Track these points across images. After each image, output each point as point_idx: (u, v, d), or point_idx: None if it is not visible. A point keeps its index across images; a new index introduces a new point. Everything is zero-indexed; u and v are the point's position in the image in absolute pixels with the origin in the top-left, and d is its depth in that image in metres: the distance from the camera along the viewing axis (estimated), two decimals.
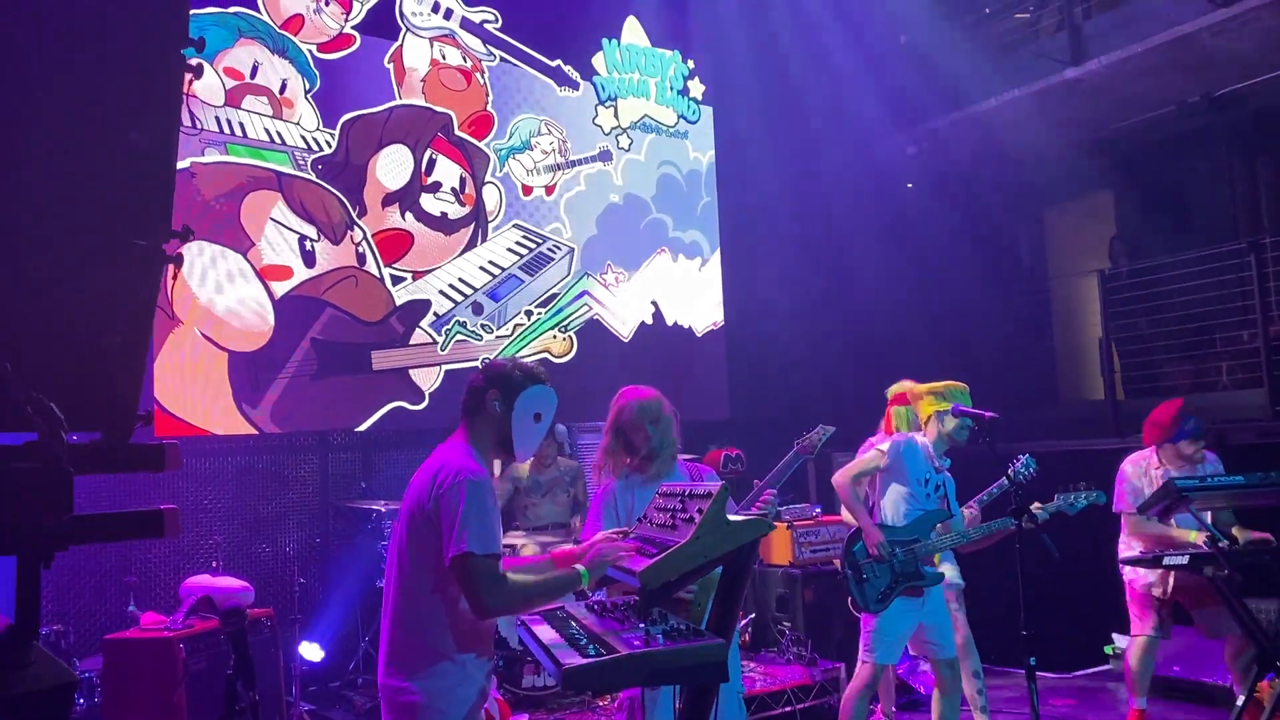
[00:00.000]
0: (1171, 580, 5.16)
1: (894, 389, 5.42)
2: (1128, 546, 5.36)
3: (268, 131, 6.34)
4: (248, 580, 4.83)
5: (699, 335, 8.41)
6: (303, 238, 6.43)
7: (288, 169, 6.41)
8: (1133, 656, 5.31)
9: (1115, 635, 7.08)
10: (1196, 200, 9.11)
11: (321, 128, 6.57)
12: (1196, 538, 4.97)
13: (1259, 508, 5.18)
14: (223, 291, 6.08)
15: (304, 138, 6.49)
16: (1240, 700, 5.06)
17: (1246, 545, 5.06)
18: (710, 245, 8.59)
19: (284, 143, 6.41)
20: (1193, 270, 7.89)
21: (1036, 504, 4.62)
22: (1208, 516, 5.08)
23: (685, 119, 8.60)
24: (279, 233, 6.34)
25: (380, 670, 2.85)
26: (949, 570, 5.24)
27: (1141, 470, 5.36)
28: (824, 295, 8.82)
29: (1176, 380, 8.32)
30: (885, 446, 4.59)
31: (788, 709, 5.65)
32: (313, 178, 6.51)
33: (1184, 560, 4.93)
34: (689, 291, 8.39)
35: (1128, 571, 5.36)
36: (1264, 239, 7.67)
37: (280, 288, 6.31)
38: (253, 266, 6.21)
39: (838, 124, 8.95)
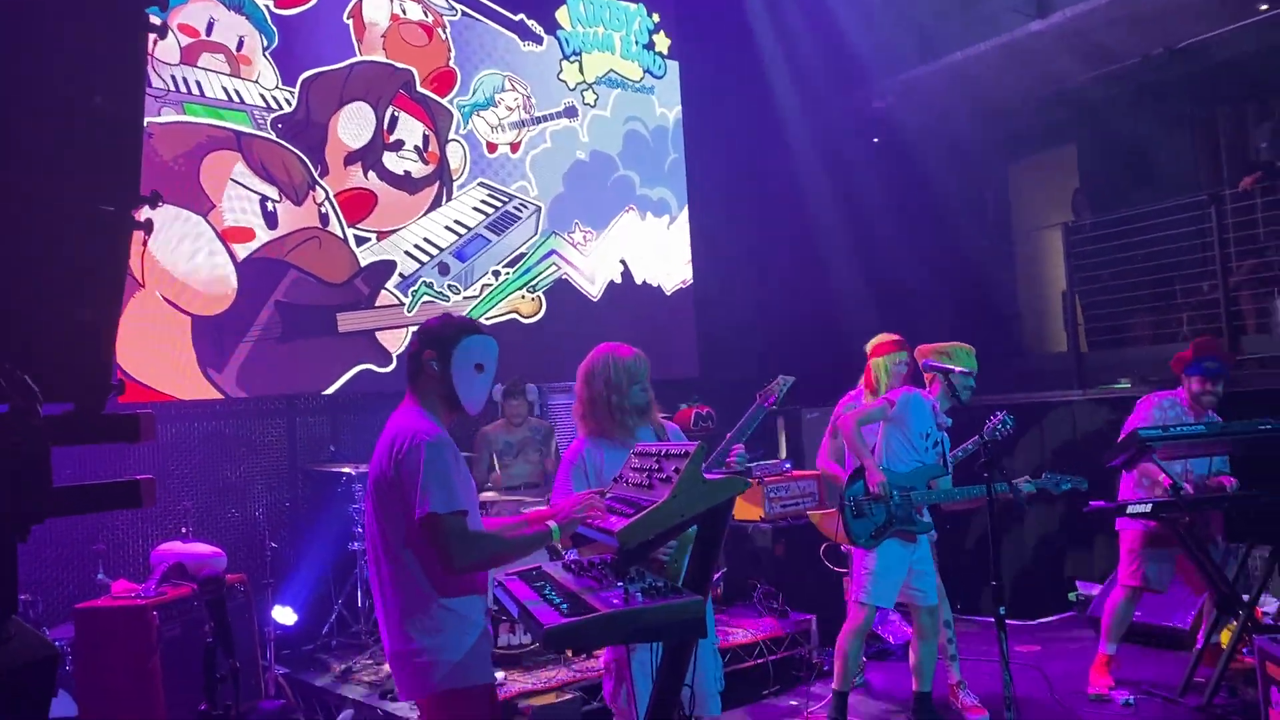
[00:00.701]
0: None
1: (872, 343, 5.45)
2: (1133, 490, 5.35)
3: (225, 90, 6.20)
4: (219, 546, 4.80)
5: (668, 294, 8.40)
6: (264, 198, 6.32)
7: (247, 128, 6.28)
8: (1115, 604, 5.37)
9: (1079, 583, 7.25)
10: (1159, 153, 9.17)
11: (281, 86, 6.44)
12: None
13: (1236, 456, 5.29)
14: (183, 254, 5.97)
15: (263, 96, 6.36)
16: (1202, 642, 5.22)
17: (1202, 493, 5.16)
18: (678, 202, 8.55)
19: (242, 101, 6.27)
20: (1154, 223, 7.96)
21: (1026, 477, 4.72)
22: (1176, 465, 5.18)
23: (651, 74, 8.52)
24: (240, 194, 6.23)
25: (385, 642, 2.90)
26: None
27: (1166, 410, 5.31)
28: (792, 251, 8.83)
29: (1139, 331, 8.43)
30: (894, 396, 4.77)
31: (760, 660, 5.73)
32: (273, 137, 6.39)
33: (1146, 509, 5.04)
34: (657, 250, 8.36)
35: (1122, 521, 5.35)
36: (1224, 191, 7.76)
37: (242, 250, 6.21)
38: (214, 228, 6.10)
39: (805, 78, 8.90)
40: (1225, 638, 5.14)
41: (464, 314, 3.16)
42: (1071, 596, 7.24)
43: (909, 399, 4.74)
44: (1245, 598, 5.04)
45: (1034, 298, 9.78)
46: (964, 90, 8.80)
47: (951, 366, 4.57)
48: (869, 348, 5.44)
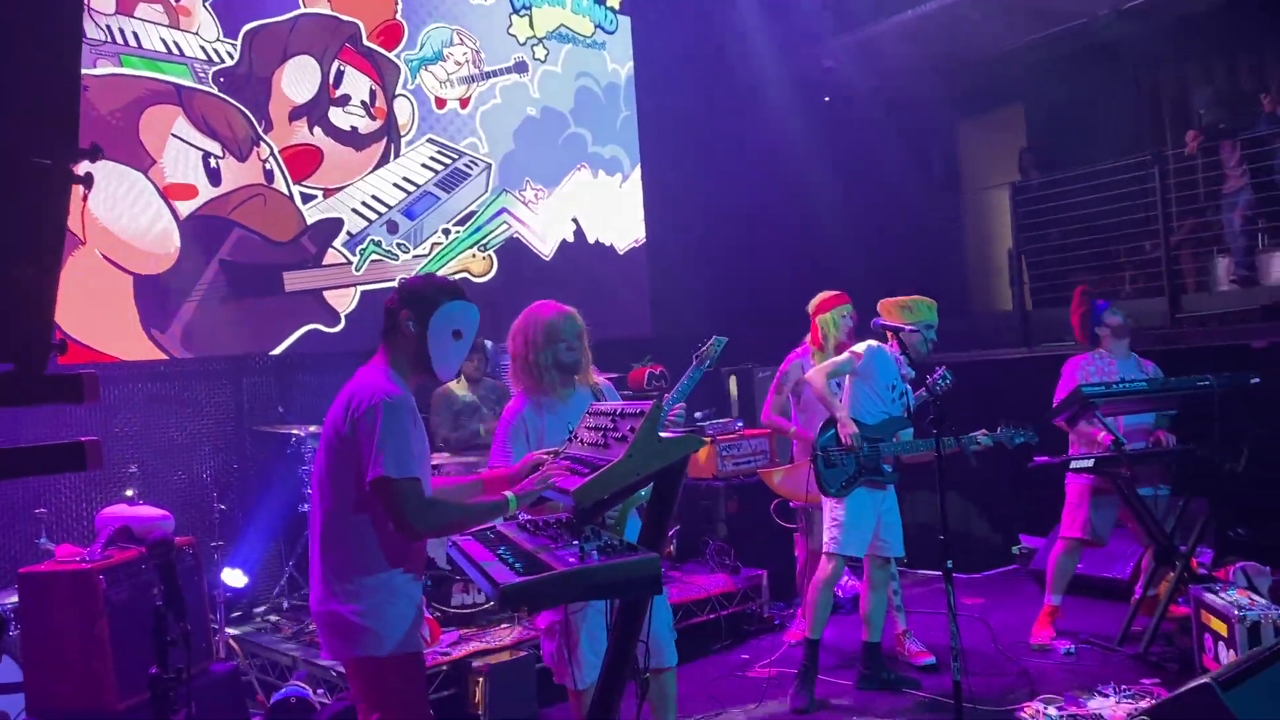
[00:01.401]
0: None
1: (815, 300, 5.50)
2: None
3: (164, 42, 6.01)
4: (166, 509, 4.72)
5: (621, 253, 8.36)
6: (206, 154, 6.17)
7: (188, 82, 6.10)
8: (1057, 556, 5.52)
9: (1022, 536, 7.41)
10: (1104, 113, 9.29)
11: (222, 38, 6.26)
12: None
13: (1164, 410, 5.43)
14: (123, 212, 5.81)
15: (203, 48, 6.17)
16: (1139, 593, 5.38)
17: (1145, 448, 5.31)
18: (631, 161, 8.49)
19: (182, 54, 6.09)
20: (1099, 183, 8.08)
21: (982, 431, 4.84)
22: (1118, 422, 5.30)
23: (603, 29, 8.42)
24: (181, 150, 6.07)
25: (313, 597, 2.85)
26: None
27: (1090, 365, 5.49)
28: (745, 210, 8.82)
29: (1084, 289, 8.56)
30: (861, 349, 4.82)
31: (712, 615, 5.80)
32: (215, 91, 6.22)
33: (1089, 463, 5.16)
34: (610, 208, 8.31)
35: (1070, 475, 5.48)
36: (1166, 151, 7.89)
37: (185, 207, 6.06)
38: (154, 185, 5.94)
39: (756, 36, 8.86)
40: (1163, 589, 5.30)
41: (446, 276, 3.07)
42: (1014, 550, 7.41)
43: (874, 352, 4.80)
44: (1183, 549, 5.19)
45: (981, 256, 9.90)
46: (913, 49, 8.81)
47: (901, 324, 4.61)
48: (812, 306, 5.49)
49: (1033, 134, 9.82)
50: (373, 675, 2.76)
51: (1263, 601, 4.53)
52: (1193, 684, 3.48)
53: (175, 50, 6.06)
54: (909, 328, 4.53)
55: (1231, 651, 4.33)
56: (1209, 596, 4.62)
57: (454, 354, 2.90)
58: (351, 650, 2.75)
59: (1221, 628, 4.47)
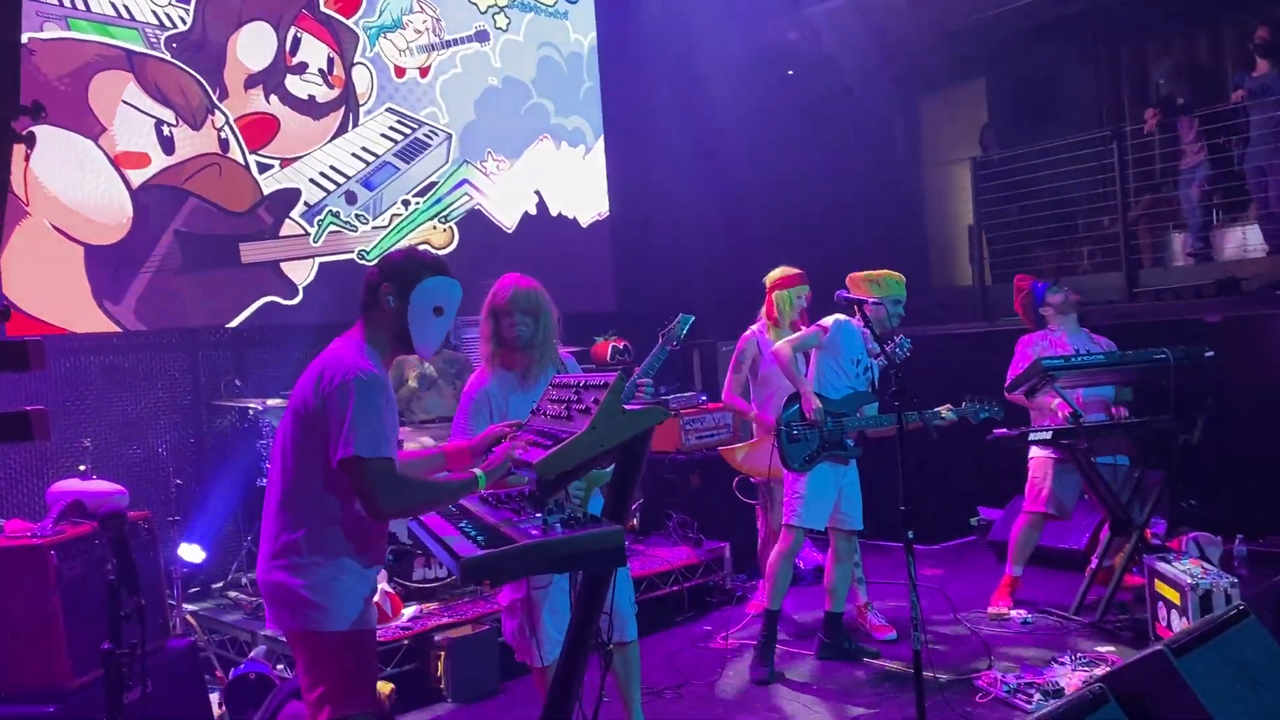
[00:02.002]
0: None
1: (773, 275, 5.48)
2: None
3: (114, 5, 5.85)
4: (120, 484, 4.64)
5: (584, 226, 8.30)
6: (159, 122, 6.02)
7: (139, 47, 5.95)
8: (1021, 529, 5.61)
9: (980, 508, 7.51)
10: (1064, 88, 9.34)
11: (174, 2, 6.10)
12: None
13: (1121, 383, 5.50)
14: (72, 180, 5.67)
15: (155, 13, 6.02)
16: (1095, 563, 5.46)
17: (1103, 421, 5.38)
18: (594, 132, 8.42)
19: (133, 18, 5.93)
20: (1058, 158, 8.13)
21: (946, 406, 4.88)
22: (1076, 394, 5.36)
23: None
24: (132, 117, 5.92)
25: (260, 566, 2.78)
26: None
27: (1042, 340, 5.58)
28: (708, 184, 8.78)
29: (1042, 265, 8.65)
30: (828, 323, 4.84)
31: (676, 588, 5.82)
32: (167, 57, 6.07)
33: (1047, 436, 5.23)
34: (573, 180, 8.23)
35: (1033, 449, 5.58)
36: (1124, 127, 7.95)
37: (137, 176, 5.92)
38: (105, 153, 5.80)
39: (719, 8, 8.79)
40: (1118, 559, 5.39)
41: (430, 252, 3.00)
42: (972, 522, 7.51)
43: (841, 326, 4.82)
44: (1137, 519, 5.27)
45: (941, 232, 9.94)
46: (876, 23, 8.80)
47: (866, 297, 4.59)
48: (770, 279, 5.47)
49: (994, 109, 9.86)
50: (317, 650, 2.71)
51: (1214, 570, 4.63)
52: (1147, 651, 3.55)
53: (125, 14, 5.90)
54: (873, 300, 4.51)
55: (1184, 619, 4.42)
56: (1162, 566, 4.70)
57: (435, 330, 2.84)
58: (297, 623, 2.70)
59: (1174, 596, 4.55)
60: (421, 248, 7.04)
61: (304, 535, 2.69)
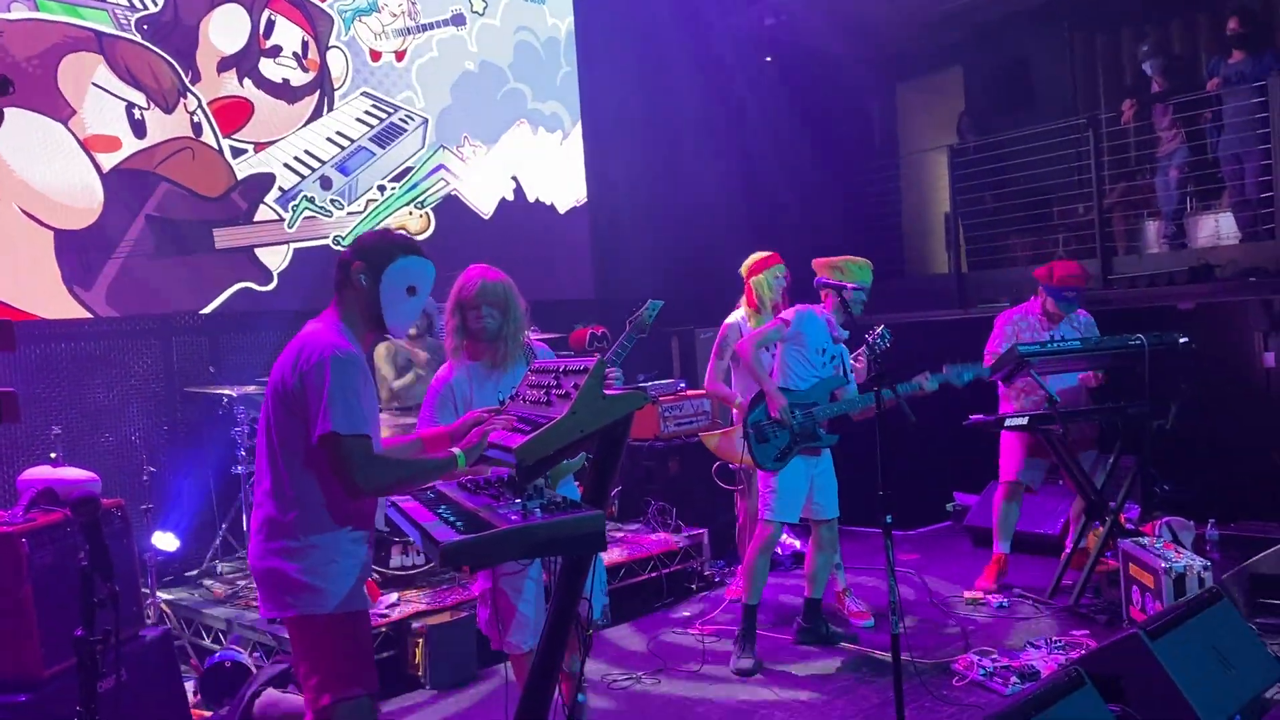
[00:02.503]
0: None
1: (749, 262, 5.47)
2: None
3: None
4: (92, 472, 4.58)
5: (562, 212, 8.26)
6: (130, 105, 5.93)
7: (109, 29, 5.86)
8: (998, 503, 5.73)
9: (956, 494, 7.55)
10: (1040, 77, 9.39)
11: None
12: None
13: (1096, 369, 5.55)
14: (41, 164, 5.58)
15: None
16: (1070, 547, 5.51)
17: (1078, 406, 5.43)
18: (571, 118, 8.37)
19: None
20: (1034, 145, 8.17)
21: (925, 374, 4.84)
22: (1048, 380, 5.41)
23: None
24: (103, 100, 5.83)
25: (252, 553, 2.78)
26: None
27: (1018, 324, 5.62)
28: (687, 170, 8.77)
29: (1018, 253, 8.70)
30: (789, 314, 4.77)
31: (654, 574, 5.83)
32: (138, 39, 5.97)
33: (1024, 421, 5.26)
34: (550, 166, 8.18)
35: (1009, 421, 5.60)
36: (1100, 115, 8.00)
37: (108, 160, 5.83)
38: (75, 137, 5.71)
39: None
40: (1092, 543, 5.44)
41: (403, 234, 3.00)
42: (949, 507, 7.56)
43: (803, 316, 4.77)
44: (1112, 504, 5.32)
45: (918, 219, 9.97)
46: (854, 10, 8.81)
47: (844, 283, 4.60)
48: (745, 267, 5.45)
49: (971, 97, 9.89)
50: (314, 634, 2.71)
51: (1187, 553, 4.68)
52: (1122, 634, 3.59)
53: None
54: (851, 286, 4.50)
55: (1158, 602, 4.47)
56: (1136, 550, 4.75)
57: (408, 309, 2.84)
58: (293, 608, 2.69)
59: (1148, 579, 4.60)
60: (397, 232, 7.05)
61: (295, 518, 2.69)
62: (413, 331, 6.12)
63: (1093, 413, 5.35)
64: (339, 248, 6.65)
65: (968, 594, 5.55)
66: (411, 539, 2.95)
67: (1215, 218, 7.68)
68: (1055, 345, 5.18)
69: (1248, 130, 6.98)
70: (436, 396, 3.52)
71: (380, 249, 2.81)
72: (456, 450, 2.77)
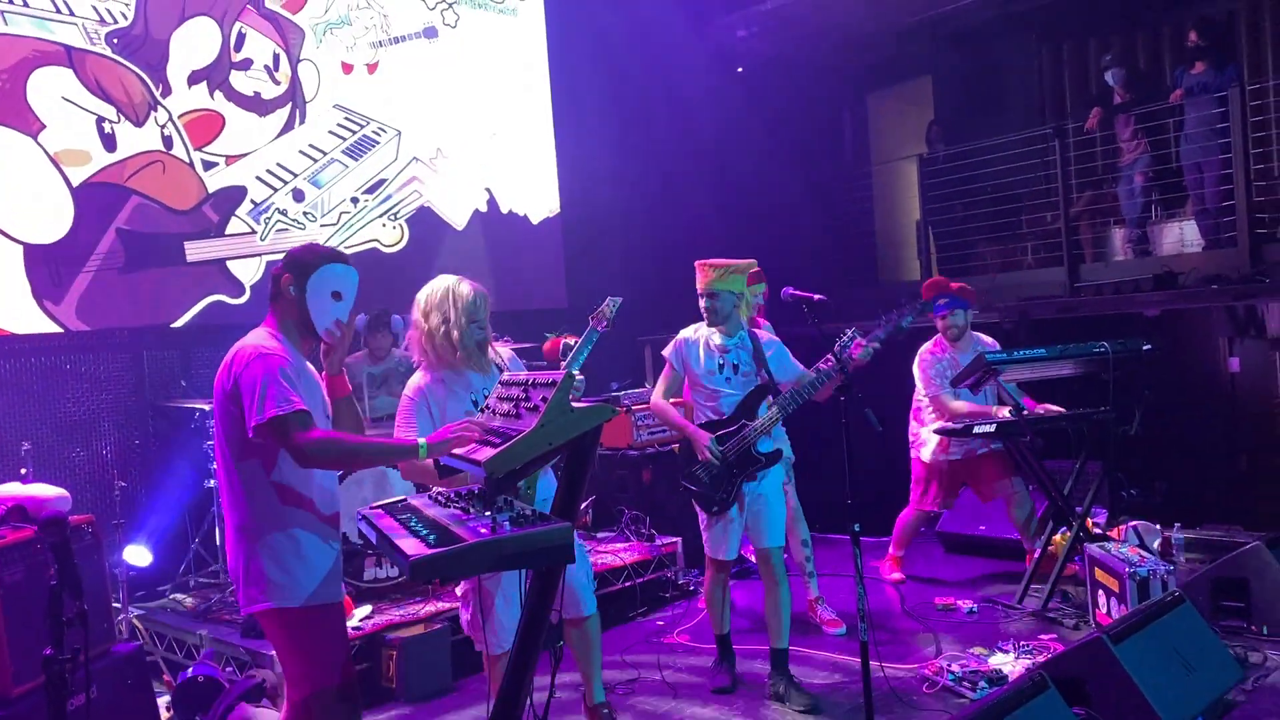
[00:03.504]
0: (962, 452, 5.69)
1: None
2: (924, 424, 5.81)
3: (52, 1, 5.74)
4: (63, 487, 4.56)
5: (535, 223, 8.29)
6: (100, 119, 5.92)
7: (79, 43, 5.84)
8: (906, 520, 6.06)
9: None
10: (1009, 86, 9.51)
11: None
12: (997, 411, 5.42)
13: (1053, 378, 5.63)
14: (10, 178, 5.55)
15: (95, 8, 5.91)
16: (1036, 553, 5.58)
17: (1042, 415, 5.51)
18: (544, 130, 8.40)
19: (72, 13, 5.82)
20: (1003, 155, 8.28)
21: (853, 337, 4.31)
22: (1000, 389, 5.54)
23: None
24: (72, 114, 5.81)
25: (229, 558, 2.98)
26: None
27: (942, 357, 5.78)
28: (659, 180, 8.82)
29: (987, 260, 8.80)
30: (667, 352, 4.53)
31: (628, 583, 5.85)
32: (108, 53, 5.96)
33: (991, 429, 5.33)
34: (523, 178, 8.21)
35: (922, 452, 5.89)
36: (1067, 125, 8.12)
37: (77, 174, 5.81)
38: (44, 150, 5.69)
39: (669, 5, 8.82)
40: (1058, 546, 5.52)
41: (328, 246, 3.15)
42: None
43: (677, 349, 4.52)
44: (1079, 509, 5.40)
45: (889, 227, 10.07)
46: (823, 21, 8.89)
47: (810, 294, 4.53)
48: None
49: (941, 106, 10.00)
50: (284, 626, 2.87)
51: (1151, 558, 4.75)
52: (1085, 638, 3.65)
53: (65, 9, 5.79)
54: (817, 297, 4.44)
55: (1123, 606, 4.54)
56: (1102, 554, 4.82)
57: (333, 314, 2.99)
58: (262, 600, 2.84)
59: (1113, 584, 4.67)
60: (370, 245, 7.07)
61: (251, 514, 2.86)
62: (376, 350, 6.16)
63: (1059, 420, 5.43)
64: None
65: (939, 600, 5.61)
66: (383, 551, 2.98)
67: (1179, 225, 7.81)
68: (1021, 353, 5.26)
69: (1208, 140, 7.10)
70: (412, 405, 3.53)
71: (305, 260, 3.00)
72: (421, 440, 2.87)
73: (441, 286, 3.59)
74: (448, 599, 5.11)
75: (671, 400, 4.64)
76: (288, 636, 2.89)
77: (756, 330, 4.59)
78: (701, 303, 4.44)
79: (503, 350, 3.81)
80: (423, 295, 3.59)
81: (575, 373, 3.98)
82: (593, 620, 3.80)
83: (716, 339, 4.46)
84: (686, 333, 4.55)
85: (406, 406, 3.55)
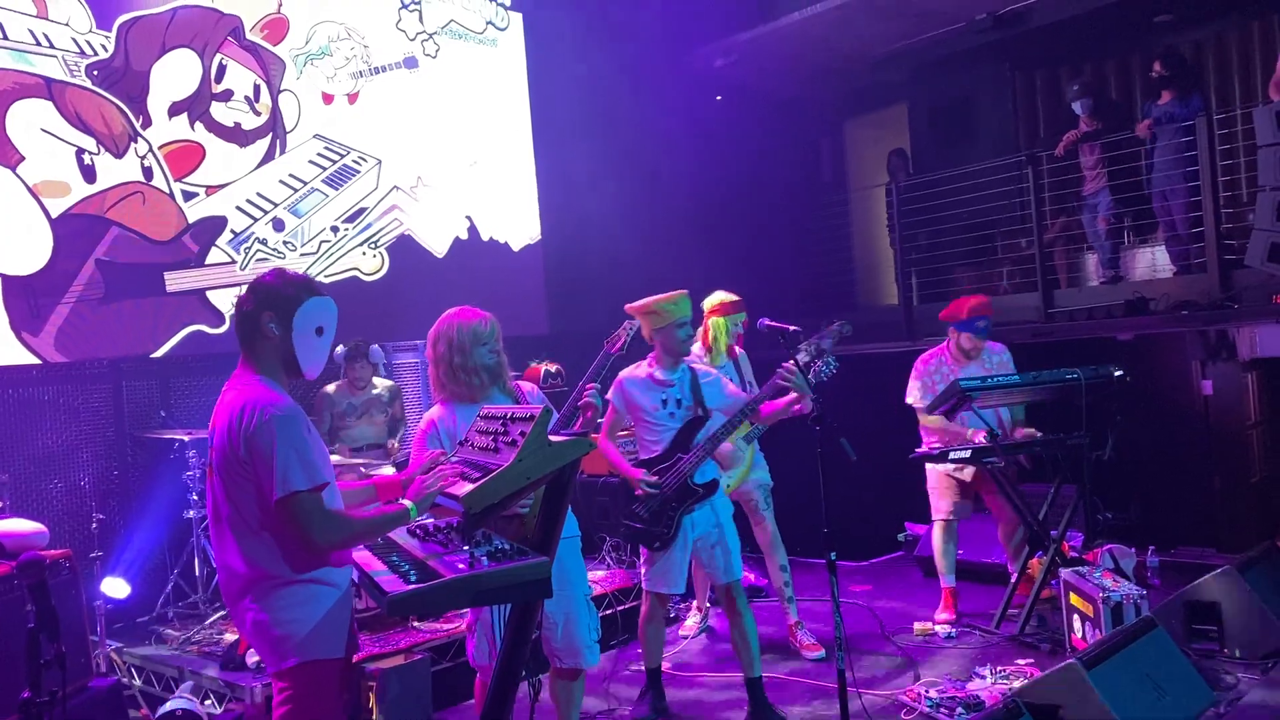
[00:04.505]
0: (969, 469, 5.64)
1: (711, 301, 5.54)
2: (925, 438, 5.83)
3: (32, 33, 5.76)
4: (40, 520, 4.56)
5: (516, 250, 8.34)
6: (80, 150, 5.94)
7: (58, 75, 5.87)
8: (934, 540, 5.88)
9: (907, 524, 7.66)
10: (983, 114, 9.63)
11: (95, 29, 6.03)
12: (970, 434, 5.47)
13: (1042, 402, 5.70)
14: None
15: (75, 40, 5.94)
16: (1014, 576, 5.63)
17: (1019, 439, 5.58)
18: (524, 158, 8.46)
19: (52, 46, 5.84)
20: (978, 181, 8.39)
21: (786, 370, 4.25)
22: (997, 413, 5.58)
23: (494, 25, 8.37)
24: (52, 145, 5.83)
25: (232, 611, 2.82)
26: (755, 473, 5.49)
27: (934, 368, 5.78)
28: (639, 207, 8.86)
29: (964, 285, 8.89)
30: (611, 395, 4.51)
31: (610, 611, 5.86)
32: (88, 85, 5.99)
33: (967, 454, 5.39)
34: (504, 206, 8.27)
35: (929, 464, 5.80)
36: (1040, 152, 8.23)
37: (56, 205, 5.82)
38: (23, 182, 5.70)
39: (648, 35, 8.92)
40: (1035, 569, 5.57)
41: (296, 271, 3.04)
42: (900, 537, 7.66)
43: (619, 391, 4.52)
44: (1054, 533, 5.46)
45: (867, 253, 10.16)
46: (801, 50, 9.00)
47: (787, 326, 4.54)
48: (708, 305, 5.50)
49: (916, 134, 10.12)
50: (297, 681, 2.74)
51: (1125, 583, 4.80)
52: (1060, 664, 3.69)
53: (45, 41, 5.81)
54: (792, 328, 4.48)
55: (1097, 630, 4.58)
56: (1076, 579, 4.87)
57: (319, 351, 2.87)
58: (290, 658, 2.72)
59: (1088, 608, 4.72)
60: (350, 274, 7.09)
61: (256, 571, 2.72)
62: (355, 380, 6.18)
63: (1033, 445, 5.49)
64: None
65: (918, 625, 5.64)
66: (362, 587, 2.98)
67: (1152, 251, 7.93)
68: (996, 380, 5.32)
69: (1174, 169, 7.22)
70: (425, 436, 3.55)
71: (285, 295, 2.81)
72: (408, 503, 2.81)
73: (447, 317, 3.63)
74: (428, 629, 5.11)
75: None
76: (285, 692, 2.75)
77: (694, 365, 4.63)
78: (680, 333, 4.43)
79: (525, 385, 3.80)
80: (432, 331, 3.63)
81: (593, 384, 4.00)
82: (582, 677, 3.74)
83: (659, 374, 4.49)
84: (626, 373, 4.56)
85: (418, 438, 3.57)
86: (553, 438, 2.71)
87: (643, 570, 4.54)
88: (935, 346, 5.93)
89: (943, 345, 5.86)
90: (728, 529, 4.47)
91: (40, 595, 2.21)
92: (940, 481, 5.80)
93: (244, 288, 2.92)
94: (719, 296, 5.51)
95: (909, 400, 5.81)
